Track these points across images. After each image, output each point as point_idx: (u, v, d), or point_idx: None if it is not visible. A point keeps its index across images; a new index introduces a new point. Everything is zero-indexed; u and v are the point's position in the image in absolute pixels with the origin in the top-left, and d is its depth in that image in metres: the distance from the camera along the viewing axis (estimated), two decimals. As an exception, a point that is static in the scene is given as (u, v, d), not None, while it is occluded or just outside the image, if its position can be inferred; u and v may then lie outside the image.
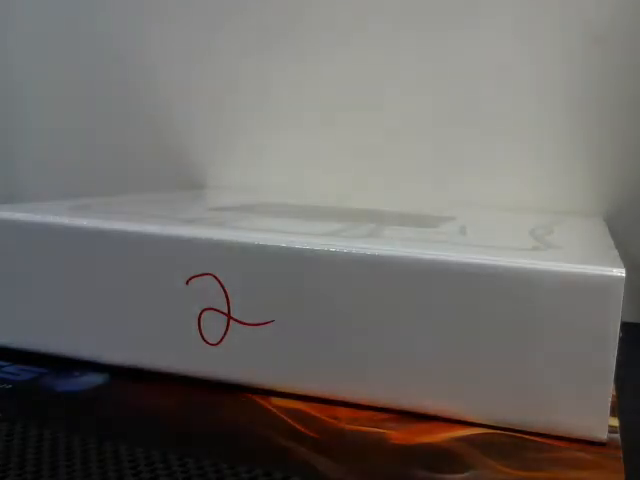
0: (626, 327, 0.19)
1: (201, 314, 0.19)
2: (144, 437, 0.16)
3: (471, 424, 0.18)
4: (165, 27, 0.39)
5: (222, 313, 0.19)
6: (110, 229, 0.20)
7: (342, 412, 0.18)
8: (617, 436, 0.17)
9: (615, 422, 0.18)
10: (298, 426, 0.17)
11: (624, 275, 0.16)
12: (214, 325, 0.19)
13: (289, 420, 0.18)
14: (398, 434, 0.17)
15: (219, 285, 0.19)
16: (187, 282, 0.19)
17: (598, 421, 0.17)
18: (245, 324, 0.19)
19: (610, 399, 0.17)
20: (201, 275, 0.19)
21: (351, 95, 0.36)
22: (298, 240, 0.18)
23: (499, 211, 0.31)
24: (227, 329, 0.19)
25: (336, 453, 0.16)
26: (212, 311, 0.19)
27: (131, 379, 0.20)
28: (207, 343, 0.19)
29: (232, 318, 0.19)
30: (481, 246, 0.19)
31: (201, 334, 0.19)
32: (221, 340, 0.19)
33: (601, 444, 0.17)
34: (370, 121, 0.36)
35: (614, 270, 0.16)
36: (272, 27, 0.37)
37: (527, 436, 0.17)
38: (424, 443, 0.17)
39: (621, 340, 0.17)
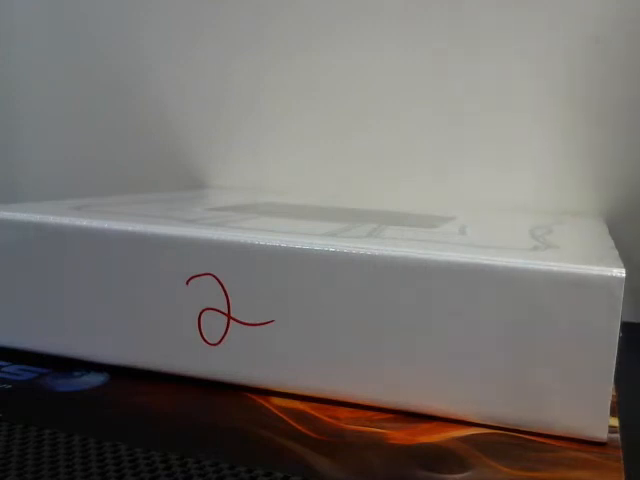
0: (626, 327, 0.19)
1: (201, 314, 0.19)
2: (144, 437, 0.16)
3: (471, 424, 0.18)
4: (163, 27, 0.39)
5: (222, 313, 0.19)
6: (110, 229, 0.20)
7: (342, 412, 0.18)
8: (617, 436, 0.17)
9: (615, 422, 0.18)
10: (298, 426, 0.17)
11: (624, 275, 0.16)
12: (214, 325, 0.19)
13: (289, 420, 0.18)
14: (398, 434, 0.17)
15: (219, 285, 0.19)
16: (187, 282, 0.19)
17: (598, 421, 0.17)
18: (245, 324, 0.19)
19: (610, 399, 0.17)
20: (201, 275, 0.19)
21: (351, 95, 0.36)
22: (298, 240, 0.18)
23: (499, 211, 0.31)
24: (227, 329, 0.19)
25: (336, 453, 0.16)
26: (212, 311, 0.19)
27: (131, 379, 0.20)
28: (207, 343, 0.19)
29: (232, 318, 0.19)
30: (481, 246, 0.19)
31: (201, 334, 0.19)
32: (221, 340, 0.19)
33: (601, 444, 0.17)
34: (370, 121, 0.36)
35: (614, 270, 0.16)
36: (270, 25, 0.37)
37: (527, 436, 0.17)
38: (424, 443, 0.17)
39: (621, 340, 0.17)
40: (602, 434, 0.17)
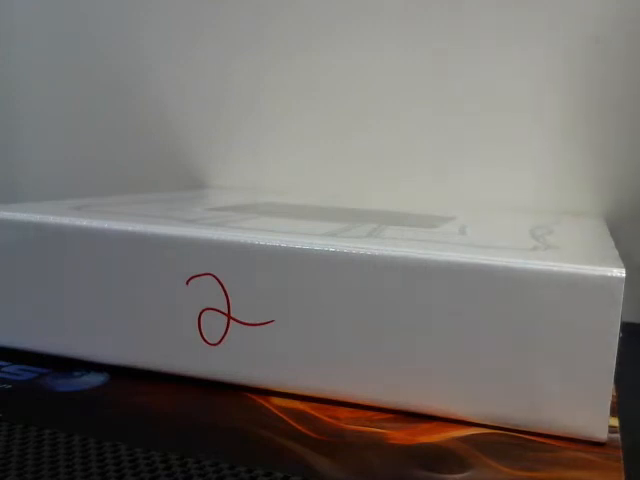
0: (626, 327, 0.19)
1: (201, 314, 0.19)
2: (144, 437, 0.16)
3: (471, 424, 0.18)
4: (163, 27, 0.39)
5: (222, 313, 0.19)
6: (110, 229, 0.20)
7: (342, 412, 0.18)
8: (617, 436, 0.17)
9: (615, 422, 0.18)
10: (298, 426, 0.17)
11: (624, 275, 0.16)
12: (214, 325, 0.19)
13: (289, 420, 0.18)
14: (398, 434, 0.17)
15: (219, 285, 0.19)
16: (187, 282, 0.19)
17: (598, 421, 0.17)
18: (245, 324, 0.19)
19: (610, 399, 0.17)
20: (201, 275, 0.19)
21: (351, 95, 0.36)
22: (298, 240, 0.18)
23: (499, 211, 0.31)
24: (227, 329, 0.19)
25: (336, 453, 0.16)
26: (212, 311, 0.19)
27: (131, 379, 0.20)
28: (207, 343, 0.19)
29: (232, 318, 0.19)
30: (481, 246, 0.19)
31: (201, 334, 0.19)
32: (221, 340, 0.19)
33: (601, 444, 0.17)
34: (370, 121, 0.36)
35: (614, 270, 0.16)
36: (270, 25, 0.37)
37: (527, 436, 0.17)
38: (424, 443, 0.17)
39: (621, 340, 0.17)
40: (602, 434, 0.17)
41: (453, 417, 0.18)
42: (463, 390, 0.17)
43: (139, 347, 0.20)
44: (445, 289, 0.17)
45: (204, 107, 0.39)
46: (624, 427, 0.18)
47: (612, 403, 0.17)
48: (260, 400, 0.19)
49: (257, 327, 0.19)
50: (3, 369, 0.20)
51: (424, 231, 0.22)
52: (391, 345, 0.18)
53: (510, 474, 0.15)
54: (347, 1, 0.35)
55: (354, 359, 0.18)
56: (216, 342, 0.19)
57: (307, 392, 0.19)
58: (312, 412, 0.18)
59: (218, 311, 0.19)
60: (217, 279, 0.19)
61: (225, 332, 0.19)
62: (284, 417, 0.18)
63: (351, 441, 0.16)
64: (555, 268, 0.16)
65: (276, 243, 0.18)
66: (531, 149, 0.33)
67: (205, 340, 0.19)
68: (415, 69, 0.34)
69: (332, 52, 0.36)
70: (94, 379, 0.20)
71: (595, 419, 0.17)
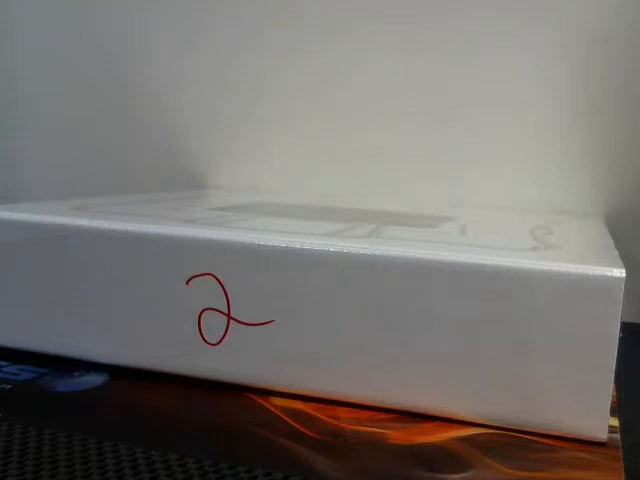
0: (626, 327, 0.19)
1: (201, 314, 0.19)
2: (144, 437, 0.16)
3: (471, 424, 0.18)
4: (163, 27, 0.39)
5: (222, 313, 0.19)
6: (110, 229, 0.20)
7: (342, 412, 0.18)
8: (617, 436, 0.17)
9: (615, 422, 0.18)
10: (298, 426, 0.17)
11: (624, 275, 0.16)
12: (214, 325, 0.19)
13: (289, 420, 0.18)
14: (398, 434, 0.17)
15: (219, 285, 0.19)
16: (187, 282, 0.19)
17: (598, 421, 0.17)
18: (245, 324, 0.19)
19: (610, 399, 0.17)
20: (201, 275, 0.19)
21: (351, 94, 0.36)
22: (298, 240, 0.18)
23: (499, 211, 0.31)
24: (227, 329, 0.19)
25: (336, 453, 0.16)
26: (212, 311, 0.19)
27: (131, 379, 0.20)
28: (207, 343, 0.19)
29: (232, 318, 0.19)
30: (481, 246, 0.19)
31: (201, 334, 0.19)
32: (221, 340, 0.19)
33: (601, 444, 0.17)
34: (370, 120, 0.36)
35: (614, 270, 0.16)
36: (271, 23, 0.37)
37: (527, 436, 0.17)
38: (424, 443, 0.17)
39: (621, 340, 0.17)
40: (602, 434, 0.17)
41: (453, 417, 0.18)
42: (463, 390, 0.17)
43: (139, 347, 0.20)
44: (445, 289, 0.17)
45: (204, 107, 0.39)
46: (624, 427, 0.18)
47: (612, 403, 0.17)
48: (260, 400, 0.19)
49: (257, 327, 0.19)
50: (3, 369, 0.20)
51: (424, 231, 0.22)
52: (391, 345, 0.18)
53: (510, 474, 0.15)
54: (347, 2, 0.35)
55: (354, 359, 0.18)
56: (216, 342, 0.19)
57: (307, 392, 0.19)
58: (312, 412, 0.18)
59: (218, 311, 0.19)
60: (217, 279, 0.19)
61: (225, 332, 0.19)
62: (284, 417, 0.18)
63: (351, 441, 0.16)
64: (555, 268, 0.16)
65: (276, 243, 0.18)
66: (531, 149, 0.33)
67: (205, 340, 0.19)
68: (415, 69, 0.34)
69: (332, 52, 0.36)
70: (94, 379, 0.20)
71: (595, 419, 0.17)
